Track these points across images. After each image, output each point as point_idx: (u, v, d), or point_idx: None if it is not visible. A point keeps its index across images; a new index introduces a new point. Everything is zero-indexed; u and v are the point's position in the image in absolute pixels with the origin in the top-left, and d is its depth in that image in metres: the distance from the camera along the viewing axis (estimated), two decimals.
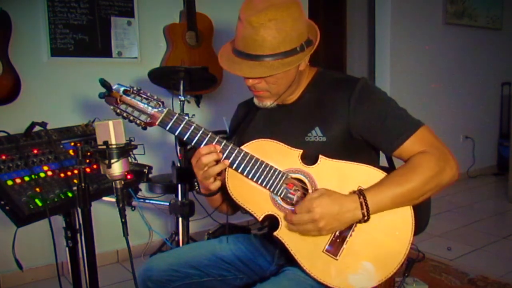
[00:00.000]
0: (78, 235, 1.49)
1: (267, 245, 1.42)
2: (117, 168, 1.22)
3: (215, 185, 1.28)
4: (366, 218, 1.15)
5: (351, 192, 1.18)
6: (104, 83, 1.18)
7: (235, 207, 1.42)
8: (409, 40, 4.27)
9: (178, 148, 2.22)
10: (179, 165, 2.23)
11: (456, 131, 4.76)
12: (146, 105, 1.22)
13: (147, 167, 1.99)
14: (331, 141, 1.25)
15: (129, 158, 1.27)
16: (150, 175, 2.04)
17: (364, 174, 1.20)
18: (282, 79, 1.25)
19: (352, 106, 1.24)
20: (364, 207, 1.14)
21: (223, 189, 1.32)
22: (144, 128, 1.25)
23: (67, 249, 1.51)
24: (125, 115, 1.23)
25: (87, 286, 1.38)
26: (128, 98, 1.21)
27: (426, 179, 1.17)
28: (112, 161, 1.21)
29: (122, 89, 1.21)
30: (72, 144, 1.51)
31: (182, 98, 2.23)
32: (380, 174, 1.20)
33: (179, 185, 2.27)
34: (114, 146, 1.21)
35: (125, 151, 1.23)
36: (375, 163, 1.33)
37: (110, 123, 1.22)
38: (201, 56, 3.00)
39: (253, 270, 1.40)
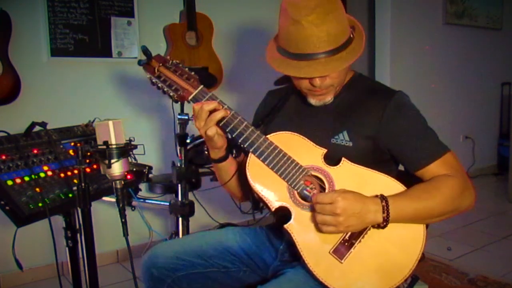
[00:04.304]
0: (78, 235, 1.49)
1: (273, 239, 1.42)
2: (117, 168, 1.23)
3: (212, 131, 1.22)
4: (385, 223, 1.15)
5: (373, 196, 1.17)
6: (146, 50, 1.23)
7: (246, 194, 1.42)
8: (409, 40, 4.26)
9: (178, 148, 2.22)
10: (179, 165, 2.23)
11: (456, 131, 4.75)
12: (181, 79, 1.25)
13: (147, 167, 1.99)
14: (356, 148, 1.25)
15: (129, 158, 1.27)
16: (150, 175, 2.04)
17: (383, 184, 1.20)
18: (343, 69, 1.24)
19: (385, 118, 1.24)
20: (386, 211, 1.14)
21: (240, 173, 1.32)
22: (176, 101, 1.29)
23: (67, 249, 1.51)
24: (160, 85, 1.26)
25: (87, 286, 1.38)
26: (166, 69, 1.25)
27: (449, 199, 1.18)
28: (112, 161, 1.21)
29: (162, 59, 1.25)
30: (72, 144, 1.51)
31: None
32: (399, 187, 1.20)
33: (179, 185, 2.27)
34: (114, 146, 1.21)
35: (125, 151, 1.23)
36: (394, 174, 1.32)
37: (110, 123, 1.22)
38: (201, 56, 3.00)
39: (256, 264, 1.40)
